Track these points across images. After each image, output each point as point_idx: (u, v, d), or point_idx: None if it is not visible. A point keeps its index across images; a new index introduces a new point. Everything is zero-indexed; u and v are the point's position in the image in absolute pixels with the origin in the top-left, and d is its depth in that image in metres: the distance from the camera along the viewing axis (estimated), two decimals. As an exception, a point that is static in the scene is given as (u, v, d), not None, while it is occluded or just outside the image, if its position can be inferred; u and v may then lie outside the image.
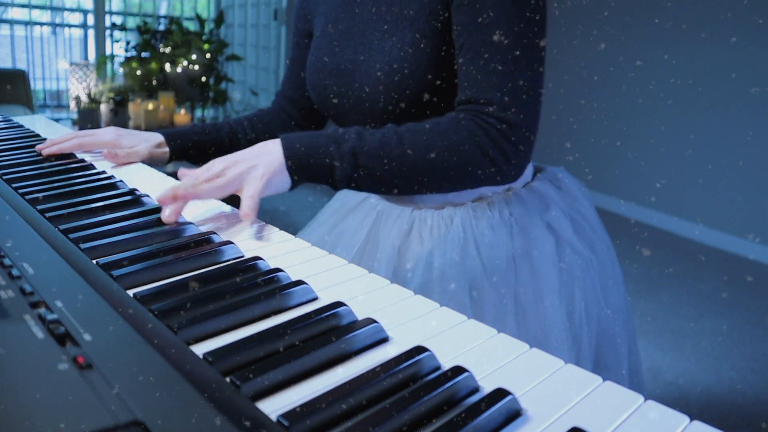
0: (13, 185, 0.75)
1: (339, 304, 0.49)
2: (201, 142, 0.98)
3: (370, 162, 0.72)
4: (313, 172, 0.72)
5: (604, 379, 0.41)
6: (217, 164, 0.71)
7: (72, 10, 5.09)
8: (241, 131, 1.02)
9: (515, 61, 0.72)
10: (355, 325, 0.46)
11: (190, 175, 0.72)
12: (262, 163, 0.71)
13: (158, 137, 0.97)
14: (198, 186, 0.68)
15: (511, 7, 0.72)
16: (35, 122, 1.22)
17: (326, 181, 0.73)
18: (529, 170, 0.94)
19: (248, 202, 0.68)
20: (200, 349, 0.42)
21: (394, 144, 0.72)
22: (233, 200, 0.73)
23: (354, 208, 1.00)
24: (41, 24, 5.03)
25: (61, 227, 0.61)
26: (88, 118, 4.00)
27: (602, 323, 0.89)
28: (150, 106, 4.00)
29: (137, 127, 4.69)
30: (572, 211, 0.91)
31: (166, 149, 0.96)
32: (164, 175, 0.89)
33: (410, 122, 0.76)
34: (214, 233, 0.63)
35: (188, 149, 0.98)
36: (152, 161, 0.96)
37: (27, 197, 0.71)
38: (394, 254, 0.88)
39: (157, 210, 0.70)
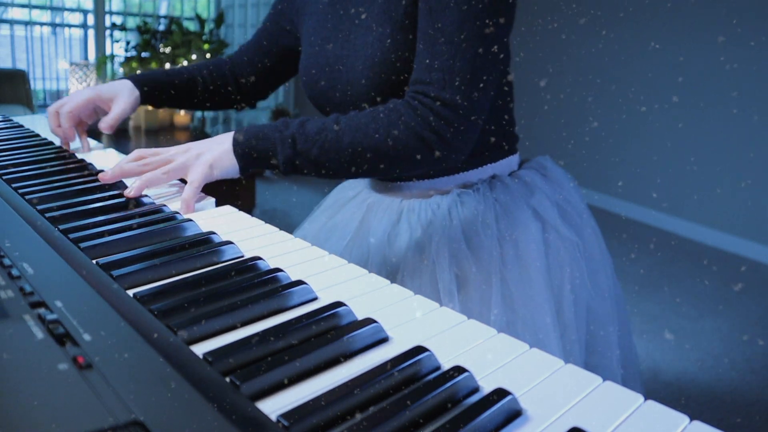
0: (13, 185, 0.75)
1: (339, 304, 0.49)
2: (161, 84, 1.05)
3: (307, 146, 0.77)
4: (258, 157, 0.78)
5: (595, 363, 0.41)
6: (171, 150, 0.79)
7: (72, 10, 5.09)
8: (199, 81, 1.08)
9: (458, 44, 0.75)
10: (354, 325, 0.46)
11: (143, 156, 0.79)
12: (209, 150, 0.78)
13: (128, 83, 1.02)
14: (145, 169, 0.77)
15: None
16: (35, 122, 1.22)
17: (270, 165, 0.78)
18: (515, 160, 0.97)
19: (188, 189, 0.74)
20: (200, 349, 0.42)
21: (330, 130, 0.77)
22: (224, 198, 0.78)
23: (346, 203, 1.04)
24: (41, 24, 5.03)
25: (61, 227, 0.61)
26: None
27: (591, 307, 0.90)
28: (150, 106, 3.99)
29: (137, 128, 4.70)
30: (558, 198, 0.93)
31: (137, 94, 1.02)
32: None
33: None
34: (214, 233, 0.63)
35: (152, 93, 1.04)
36: (132, 109, 1.02)
37: (27, 197, 0.71)
38: (384, 242, 0.91)
39: (158, 210, 0.70)
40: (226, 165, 0.77)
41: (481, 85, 0.76)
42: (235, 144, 0.78)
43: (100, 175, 0.78)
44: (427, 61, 0.76)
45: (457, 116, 0.75)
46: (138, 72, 4.24)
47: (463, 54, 0.75)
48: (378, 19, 0.84)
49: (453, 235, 0.87)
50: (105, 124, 0.97)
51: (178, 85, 1.06)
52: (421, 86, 0.77)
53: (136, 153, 0.80)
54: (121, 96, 1.00)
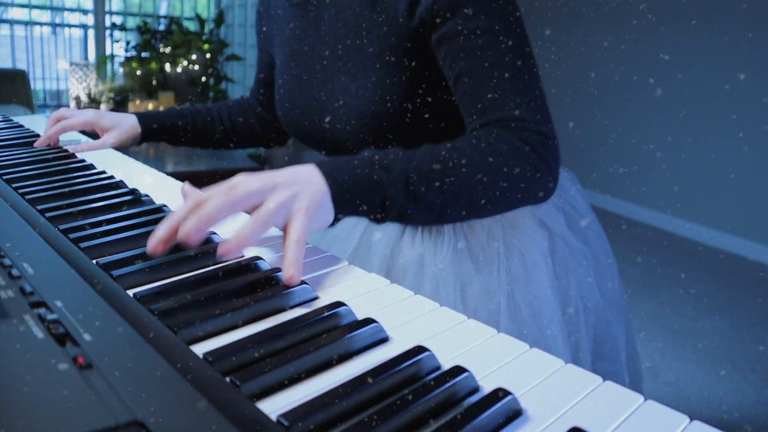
0: (13, 185, 0.75)
1: (339, 304, 0.49)
2: (174, 125, 1.03)
3: (423, 188, 0.63)
4: (361, 204, 0.61)
5: (604, 369, 0.41)
6: (243, 185, 0.56)
7: (72, 10, 5.09)
8: (217, 119, 1.06)
9: (522, 76, 0.71)
10: (354, 325, 0.46)
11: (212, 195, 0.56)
12: (304, 192, 0.57)
13: (132, 119, 1.02)
14: (243, 229, 0.54)
15: (498, 24, 0.71)
16: (35, 122, 1.22)
17: (375, 213, 0.63)
18: None
19: (293, 251, 0.54)
20: (200, 349, 0.42)
21: (445, 165, 0.64)
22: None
23: None
24: (41, 24, 5.03)
25: (61, 227, 0.61)
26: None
27: (599, 314, 0.90)
28: (150, 106, 4.01)
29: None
30: (564, 203, 0.91)
31: (139, 131, 1.01)
32: (147, 167, 0.92)
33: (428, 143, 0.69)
34: (215, 233, 0.63)
35: (161, 132, 1.03)
36: (123, 145, 1.02)
37: (27, 197, 0.71)
38: (387, 257, 0.88)
39: (158, 210, 0.70)
40: (322, 215, 0.58)
41: (546, 104, 0.73)
42: (334, 186, 0.59)
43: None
44: (497, 97, 0.70)
45: (555, 146, 0.71)
46: (138, 72, 4.24)
47: (532, 83, 0.71)
48: (365, 62, 0.78)
49: (458, 249, 0.84)
50: (78, 148, 0.98)
51: (193, 122, 1.04)
52: (510, 122, 0.70)
53: (183, 191, 0.63)
54: (118, 129, 1.00)
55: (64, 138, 1.06)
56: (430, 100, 0.79)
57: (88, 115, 1.01)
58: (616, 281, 0.96)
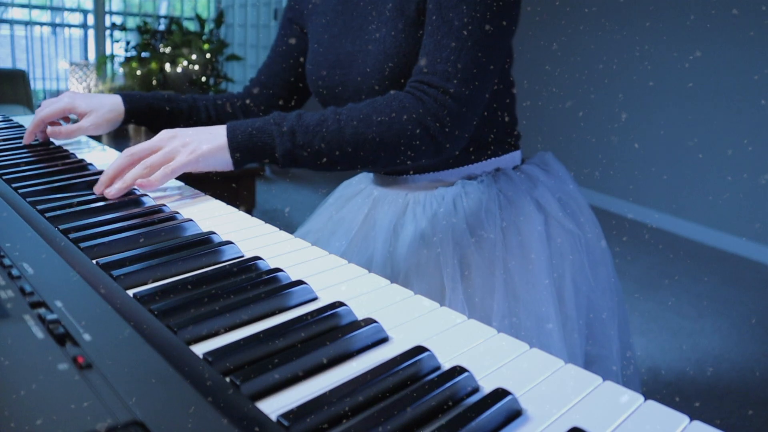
0: (13, 185, 0.75)
1: (339, 304, 0.49)
2: (159, 108, 1.02)
3: (307, 138, 0.76)
4: (255, 150, 0.77)
5: (594, 353, 0.41)
6: (156, 137, 0.77)
7: (72, 10, 5.09)
8: (202, 107, 1.05)
9: (464, 40, 0.77)
10: (355, 325, 0.46)
11: (129, 153, 0.76)
12: (197, 140, 0.76)
13: (112, 100, 1.00)
14: (134, 169, 0.75)
15: None
16: (35, 122, 1.21)
17: (268, 158, 0.77)
18: (517, 156, 0.99)
19: (159, 173, 0.74)
20: (200, 349, 0.42)
21: (331, 121, 0.77)
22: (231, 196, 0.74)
23: (352, 197, 1.05)
24: (41, 24, 5.03)
25: (61, 227, 0.61)
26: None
27: (591, 298, 0.92)
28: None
29: (138, 128, 4.70)
30: (560, 191, 0.95)
31: (121, 110, 0.99)
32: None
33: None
34: (214, 233, 0.63)
35: (145, 113, 1.01)
36: (101, 128, 0.99)
37: (27, 197, 0.71)
38: (390, 233, 0.92)
39: (158, 210, 0.70)
40: (218, 161, 0.76)
41: (481, 82, 0.78)
42: (231, 139, 0.76)
43: (101, 191, 0.75)
44: (434, 53, 0.78)
45: (459, 107, 0.77)
46: (138, 72, 4.24)
47: (468, 51, 0.77)
48: (391, 15, 0.85)
49: (457, 224, 0.88)
50: (54, 133, 0.97)
51: (177, 107, 1.03)
52: (424, 76, 0.78)
53: (127, 155, 0.77)
54: (96, 112, 0.98)
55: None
56: None
57: (63, 102, 0.98)
58: (610, 271, 0.98)
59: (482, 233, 0.87)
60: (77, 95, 1.00)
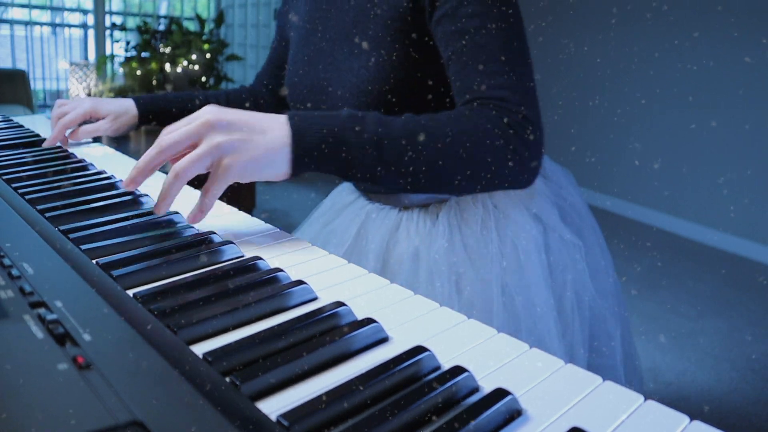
0: (13, 185, 0.75)
1: (339, 304, 0.49)
2: (169, 109, 1.04)
3: (394, 154, 0.62)
4: (327, 164, 0.62)
5: (599, 364, 0.41)
6: (195, 123, 0.59)
7: (72, 10, 5.10)
8: (213, 102, 1.06)
9: (511, 59, 0.72)
10: (354, 325, 0.46)
11: (159, 147, 0.61)
12: (251, 141, 0.58)
13: (129, 104, 1.04)
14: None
15: (493, 8, 0.73)
16: (35, 122, 1.22)
17: (340, 173, 0.64)
18: None
19: (208, 201, 0.60)
20: (200, 349, 0.42)
21: (417, 131, 0.64)
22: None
23: (344, 208, 1.03)
24: (41, 24, 5.03)
25: (61, 227, 0.61)
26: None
27: (593, 309, 0.90)
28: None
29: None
30: (558, 199, 0.92)
31: (136, 114, 1.03)
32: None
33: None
34: (214, 233, 0.63)
35: (156, 114, 1.04)
36: (119, 131, 1.04)
37: (27, 197, 0.71)
38: (383, 250, 0.90)
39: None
40: (274, 168, 0.60)
41: (537, 98, 0.73)
42: (298, 141, 0.60)
43: (128, 186, 0.64)
44: (484, 79, 0.71)
45: (538, 133, 0.71)
46: (138, 72, 4.23)
47: (521, 68, 0.72)
48: (363, 43, 0.81)
49: (452, 242, 0.85)
50: (73, 135, 1.00)
51: (185, 106, 1.05)
52: (495, 102, 0.70)
53: (157, 150, 0.62)
54: (115, 116, 1.02)
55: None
56: (429, 81, 0.80)
57: (86, 106, 1.02)
58: (611, 276, 0.97)
59: (478, 252, 0.84)
60: (97, 100, 1.04)
